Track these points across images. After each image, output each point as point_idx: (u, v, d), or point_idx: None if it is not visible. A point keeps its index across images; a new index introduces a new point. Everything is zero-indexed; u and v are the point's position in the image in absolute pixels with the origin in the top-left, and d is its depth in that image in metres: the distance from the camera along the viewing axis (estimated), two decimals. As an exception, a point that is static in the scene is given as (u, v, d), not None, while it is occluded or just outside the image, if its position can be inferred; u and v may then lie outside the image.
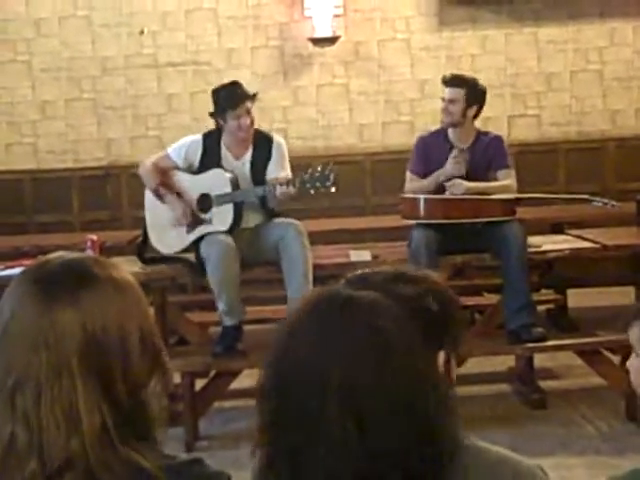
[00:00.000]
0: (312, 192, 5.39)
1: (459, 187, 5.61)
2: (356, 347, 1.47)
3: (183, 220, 5.60)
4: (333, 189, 5.38)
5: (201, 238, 5.51)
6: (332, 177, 5.34)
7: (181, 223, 5.62)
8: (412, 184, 5.82)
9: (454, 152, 5.71)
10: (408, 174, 5.90)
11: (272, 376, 1.55)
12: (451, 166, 5.66)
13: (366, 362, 1.46)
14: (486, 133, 5.96)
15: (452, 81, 5.79)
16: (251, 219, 5.62)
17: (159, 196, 5.70)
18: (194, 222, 5.60)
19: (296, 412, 1.50)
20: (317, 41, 8.51)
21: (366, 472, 1.45)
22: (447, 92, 5.76)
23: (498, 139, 5.92)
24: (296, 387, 1.50)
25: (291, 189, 5.33)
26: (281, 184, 5.34)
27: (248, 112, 5.54)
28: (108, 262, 1.68)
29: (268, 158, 5.60)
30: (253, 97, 5.59)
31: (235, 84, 5.68)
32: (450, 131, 5.82)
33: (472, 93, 5.75)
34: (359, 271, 1.68)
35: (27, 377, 1.50)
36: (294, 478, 1.51)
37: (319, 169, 5.38)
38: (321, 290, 1.60)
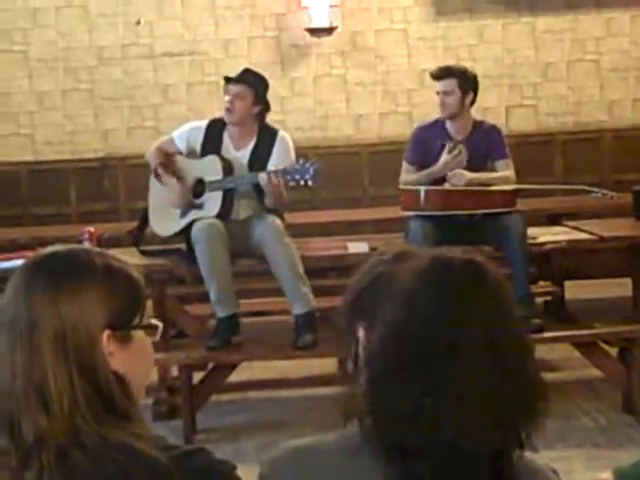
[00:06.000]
0: (291, 184, 5.34)
1: (460, 178, 5.60)
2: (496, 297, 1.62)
3: (179, 202, 5.59)
4: (310, 183, 5.30)
5: (193, 223, 5.49)
6: (312, 171, 5.27)
7: (177, 205, 5.61)
8: (408, 176, 5.80)
9: (448, 146, 5.66)
10: (404, 164, 5.88)
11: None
12: (450, 160, 5.62)
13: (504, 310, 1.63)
14: (482, 122, 5.94)
15: (441, 73, 5.78)
16: (242, 211, 5.58)
17: (157, 176, 5.70)
18: (188, 207, 5.60)
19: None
20: (314, 31, 8.50)
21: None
22: (440, 85, 5.75)
23: (496, 129, 5.90)
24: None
25: (274, 180, 5.28)
26: (266, 174, 5.32)
27: (236, 97, 5.53)
28: (108, 255, 1.75)
29: (270, 153, 5.56)
30: (253, 86, 5.57)
31: (247, 70, 5.75)
32: (448, 122, 5.81)
33: (464, 81, 5.73)
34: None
35: (4, 358, 1.62)
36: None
37: (301, 162, 5.35)
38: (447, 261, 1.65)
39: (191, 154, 5.69)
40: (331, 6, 8.46)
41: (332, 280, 6.65)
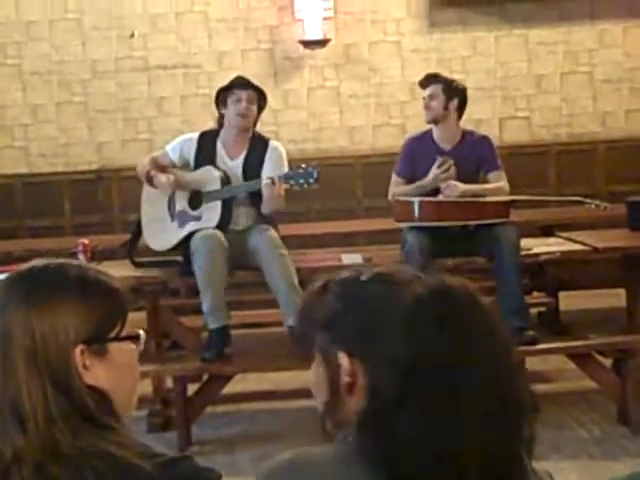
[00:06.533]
0: (296, 188, 5.35)
1: (454, 189, 5.59)
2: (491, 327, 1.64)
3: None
4: (316, 185, 5.35)
5: (191, 235, 5.47)
6: (315, 174, 5.31)
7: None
8: (397, 189, 5.81)
9: (438, 161, 5.67)
10: (394, 176, 5.88)
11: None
12: (439, 174, 5.63)
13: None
14: (472, 133, 5.94)
15: (427, 80, 5.84)
16: (241, 221, 5.59)
17: (150, 179, 5.66)
18: (185, 219, 5.60)
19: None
20: (308, 44, 8.51)
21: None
22: (426, 91, 5.80)
23: (486, 139, 5.90)
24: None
25: (276, 186, 5.29)
26: (270, 179, 5.32)
27: (249, 101, 5.55)
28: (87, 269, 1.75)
29: (262, 161, 5.57)
30: (259, 91, 5.61)
31: (244, 77, 5.74)
32: (435, 131, 5.80)
33: (449, 87, 5.77)
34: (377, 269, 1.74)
35: None
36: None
37: (303, 166, 5.36)
38: (431, 293, 1.62)
39: (184, 167, 5.68)
40: (324, 18, 8.48)
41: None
